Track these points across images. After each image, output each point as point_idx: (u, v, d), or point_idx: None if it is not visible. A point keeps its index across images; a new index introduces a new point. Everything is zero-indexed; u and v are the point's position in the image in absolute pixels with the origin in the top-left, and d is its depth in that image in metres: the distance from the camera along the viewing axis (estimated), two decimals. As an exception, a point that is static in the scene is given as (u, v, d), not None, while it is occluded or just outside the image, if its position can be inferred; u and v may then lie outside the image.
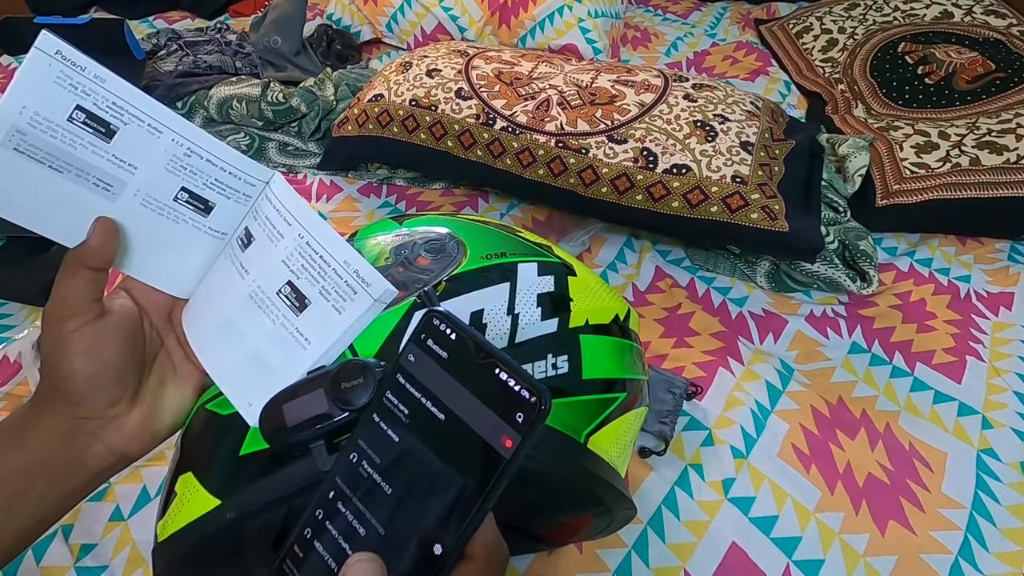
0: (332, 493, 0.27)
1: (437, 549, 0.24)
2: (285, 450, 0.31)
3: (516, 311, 0.36)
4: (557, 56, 1.07)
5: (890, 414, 0.69)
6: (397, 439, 0.27)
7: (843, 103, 1.13)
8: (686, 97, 0.87)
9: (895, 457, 0.65)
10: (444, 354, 0.26)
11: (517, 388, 0.24)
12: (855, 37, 1.25)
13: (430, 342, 0.27)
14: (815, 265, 0.80)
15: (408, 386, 0.27)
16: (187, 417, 0.37)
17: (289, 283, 0.33)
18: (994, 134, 0.92)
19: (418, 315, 0.28)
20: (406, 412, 0.27)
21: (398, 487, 0.26)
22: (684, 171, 0.79)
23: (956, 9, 1.22)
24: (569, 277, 0.39)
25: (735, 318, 0.81)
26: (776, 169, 0.81)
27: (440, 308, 0.27)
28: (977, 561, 0.58)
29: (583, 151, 0.83)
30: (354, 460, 0.27)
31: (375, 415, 0.27)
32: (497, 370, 0.25)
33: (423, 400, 0.26)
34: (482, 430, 0.25)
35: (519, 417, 0.24)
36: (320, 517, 0.27)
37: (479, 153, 0.88)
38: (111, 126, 0.31)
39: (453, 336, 0.26)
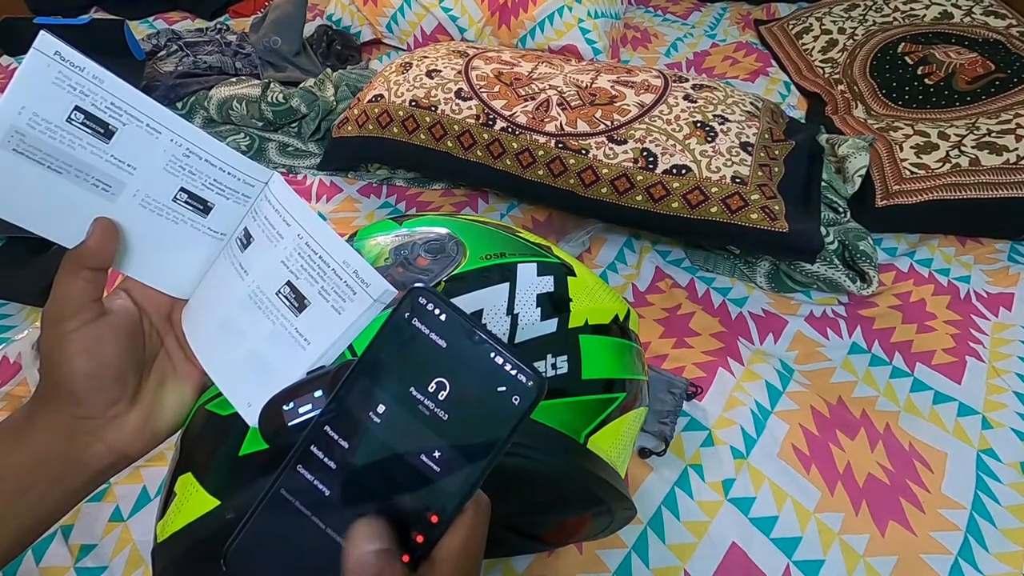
0: (292, 483, 0.26)
1: (429, 517, 0.24)
2: (285, 450, 0.31)
3: (516, 311, 0.36)
4: (557, 56, 1.07)
5: (890, 414, 0.69)
6: (379, 420, 0.25)
7: (843, 104, 1.13)
8: (686, 98, 0.87)
9: (895, 457, 0.65)
10: (431, 334, 0.25)
11: (513, 371, 0.24)
12: (855, 38, 1.25)
13: (415, 321, 0.25)
14: (815, 265, 0.80)
15: (389, 368, 0.26)
16: (187, 417, 0.37)
17: (288, 283, 0.33)
18: (994, 134, 0.92)
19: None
20: (385, 393, 0.25)
21: (374, 472, 0.25)
22: (684, 172, 0.79)
23: (956, 10, 1.22)
24: (569, 277, 0.39)
25: (735, 318, 0.81)
26: (776, 170, 0.81)
27: (426, 285, 0.26)
28: (977, 561, 0.58)
29: (583, 152, 0.83)
30: (316, 451, 0.26)
31: (346, 402, 0.26)
32: (492, 353, 0.24)
33: (407, 381, 0.25)
34: (475, 412, 0.24)
35: (515, 400, 0.24)
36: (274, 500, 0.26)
37: (479, 154, 0.88)
38: (110, 127, 0.31)
39: (443, 316, 0.25)
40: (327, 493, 0.25)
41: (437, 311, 0.25)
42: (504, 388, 0.24)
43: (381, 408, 0.25)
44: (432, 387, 0.25)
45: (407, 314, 0.25)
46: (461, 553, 0.25)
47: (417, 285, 0.25)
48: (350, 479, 0.25)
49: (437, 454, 0.24)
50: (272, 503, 0.26)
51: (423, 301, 0.25)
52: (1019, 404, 0.71)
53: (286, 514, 0.26)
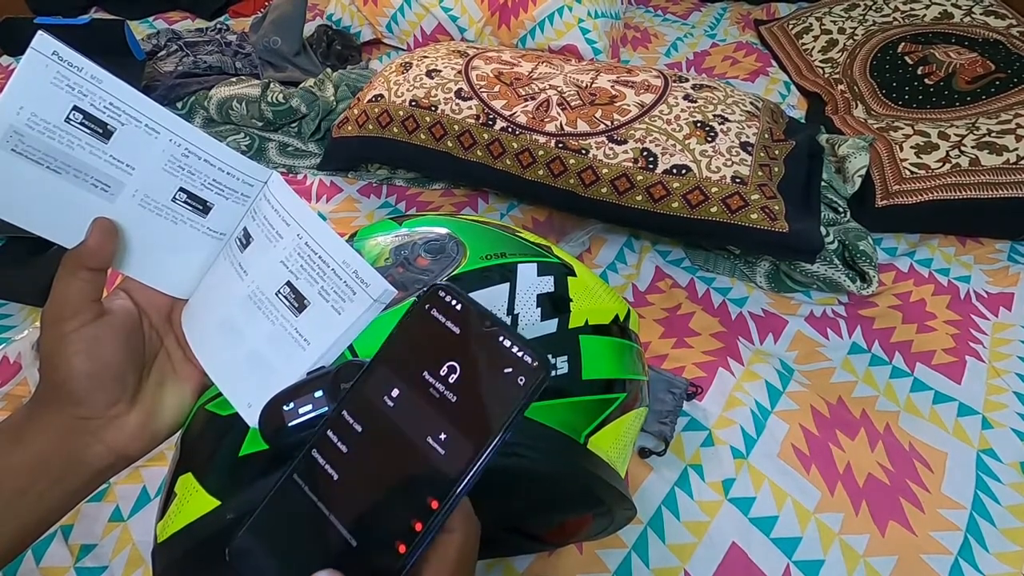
0: (305, 471, 0.26)
1: (430, 503, 0.24)
2: (285, 451, 0.31)
3: (516, 311, 0.36)
4: (557, 56, 1.07)
5: (890, 414, 0.69)
6: (392, 404, 0.26)
7: (843, 103, 1.13)
8: (686, 97, 0.87)
9: (895, 457, 0.65)
10: (447, 322, 0.26)
11: (519, 353, 0.25)
12: (855, 38, 1.25)
13: (434, 311, 0.27)
14: (815, 265, 0.80)
15: (406, 354, 0.27)
16: (187, 417, 0.37)
17: (288, 283, 0.33)
18: (994, 134, 0.92)
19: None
20: (400, 378, 0.27)
21: (380, 456, 0.26)
22: (684, 172, 0.79)
23: (956, 9, 1.22)
24: (569, 277, 0.39)
25: (735, 318, 0.81)
26: (776, 169, 0.81)
27: (446, 283, 0.27)
28: (977, 561, 0.58)
29: (583, 151, 0.83)
30: (332, 435, 0.27)
31: (364, 388, 0.27)
32: (500, 336, 0.25)
33: (421, 365, 0.26)
34: (482, 393, 0.25)
35: (520, 380, 0.24)
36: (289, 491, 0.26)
37: (479, 154, 0.88)
38: (108, 127, 0.31)
39: (459, 307, 0.27)
40: (335, 477, 0.26)
41: (454, 302, 0.27)
42: (510, 369, 0.25)
43: (395, 392, 0.26)
44: (444, 371, 0.26)
45: (427, 305, 0.27)
46: (471, 518, 0.25)
47: (439, 283, 0.27)
48: (358, 463, 0.26)
49: (443, 436, 0.25)
50: (284, 488, 0.26)
51: (442, 294, 0.27)
52: (1019, 404, 0.71)
53: (295, 500, 0.26)
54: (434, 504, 0.24)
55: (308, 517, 0.25)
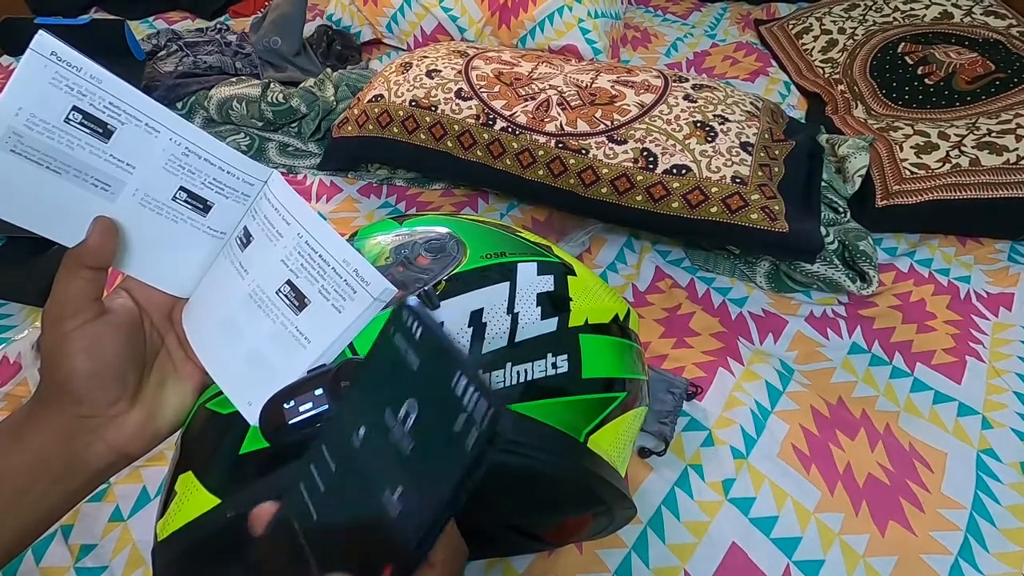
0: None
1: (384, 569, 0.22)
2: (285, 449, 0.31)
3: (516, 310, 0.36)
4: (557, 56, 1.07)
5: (890, 414, 0.69)
6: (359, 445, 0.24)
7: (843, 103, 1.13)
8: (686, 98, 0.87)
9: (895, 457, 0.65)
10: (408, 352, 0.23)
11: (472, 405, 0.20)
12: (855, 38, 1.25)
13: (397, 337, 0.23)
14: (815, 265, 0.80)
15: (373, 386, 0.24)
16: (187, 416, 0.37)
17: (288, 282, 0.33)
18: (994, 134, 0.92)
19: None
20: (365, 415, 0.24)
21: (347, 503, 0.24)
22: (684, 172, 0.79)
23: (956, 10, 1.22)
24: (569, 277, 0.39)
25: (735, 318, 0.81)
26: (776, 170, 0.81)
27: (413, 303, 0.23)
28: (977, 561, 0.58)
29: (583, 152, 0.83)
30: (313, 470, 0.25)
31: (341, 419, 0.25)
32: (455, 377, 0.20)
33: (383, 402, 0.23)
34: (434, 446, 0.21)
35: (471, 437, 0.20)
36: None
37: (479, 154, 0.88)
38: (108, 126, 0.31)
39: (419, 334, 0.22)
40: (315, 517, 0.24)
41: (416, 328, 0.22)
42: (463, 421, 0.20)
43: (362, 431, 0.23)
44: (403, 411, 0.22)
45: (392, 329, 0.23)
46: (454, 548, 0.24)
47: (409, 302, 0.23)
48: (331, 504, 0.24)
49: (400, 489, 0.21)
50: (279, 522, 0.26)
51: (406, 317, 0.23)
52: (1019, 404, 0.71)
53: (286, 538, 0.25)
54: (387, 572, 0.22)
55: (296, 558, 0.24)
